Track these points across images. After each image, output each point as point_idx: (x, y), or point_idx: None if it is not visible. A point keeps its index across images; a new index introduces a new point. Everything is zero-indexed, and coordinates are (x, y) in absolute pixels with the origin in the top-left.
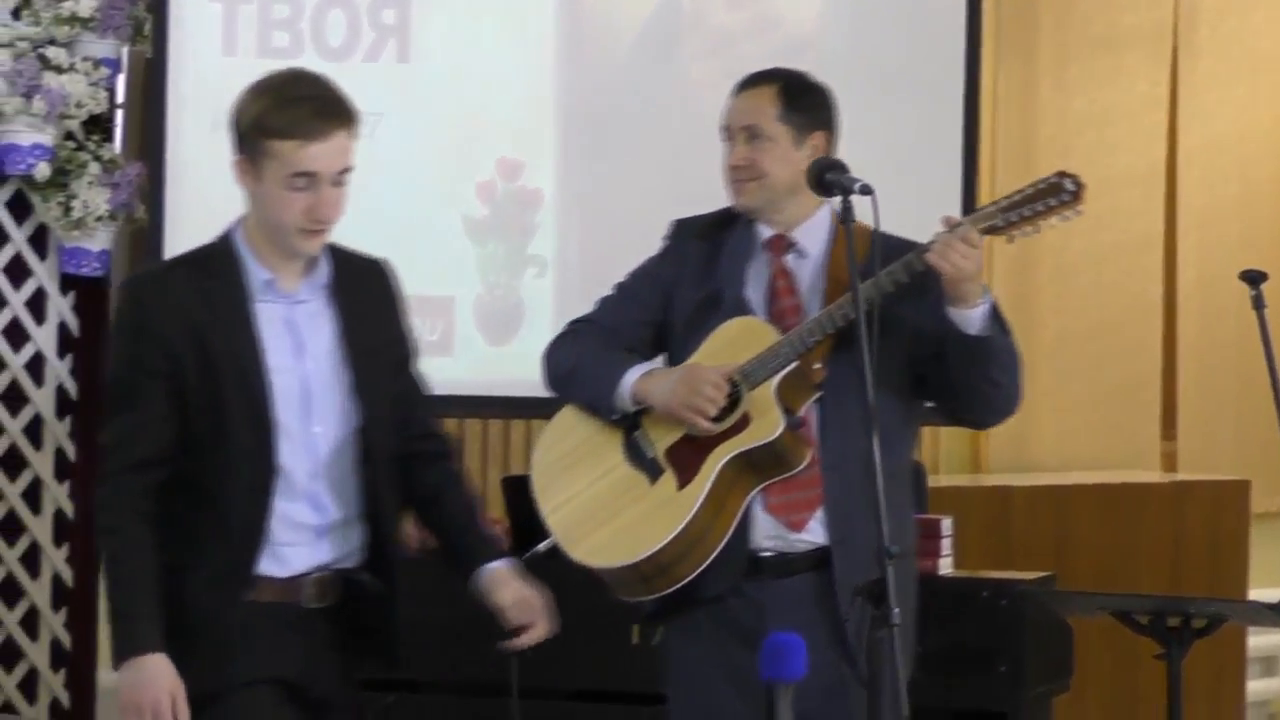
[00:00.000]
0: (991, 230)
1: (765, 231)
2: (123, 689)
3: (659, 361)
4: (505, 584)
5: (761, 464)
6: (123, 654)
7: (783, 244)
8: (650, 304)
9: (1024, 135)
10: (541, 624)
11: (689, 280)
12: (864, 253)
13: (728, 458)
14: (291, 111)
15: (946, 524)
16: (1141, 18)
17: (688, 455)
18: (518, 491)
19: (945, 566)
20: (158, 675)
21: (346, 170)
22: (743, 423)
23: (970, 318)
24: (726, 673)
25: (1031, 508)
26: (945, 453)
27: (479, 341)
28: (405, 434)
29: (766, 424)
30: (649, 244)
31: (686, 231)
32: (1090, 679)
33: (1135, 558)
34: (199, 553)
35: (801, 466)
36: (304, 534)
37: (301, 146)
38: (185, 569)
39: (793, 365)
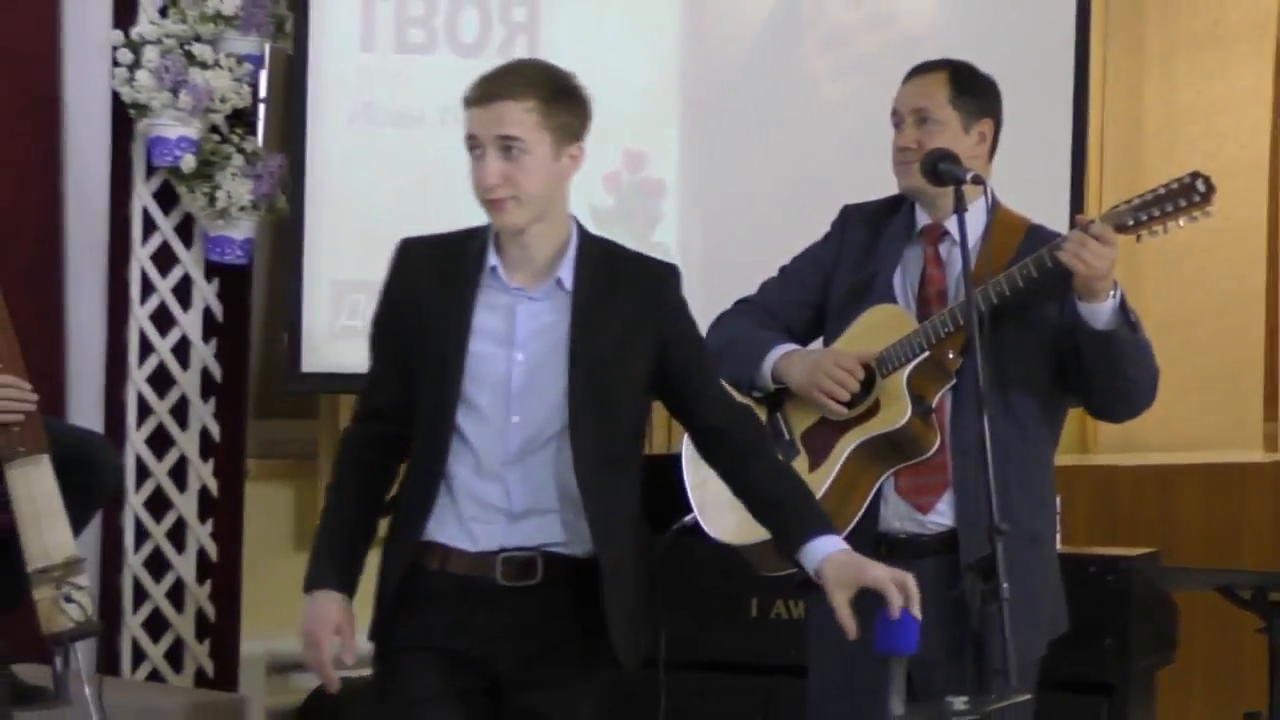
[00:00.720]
0: (1122, 229)
1: (923, 219)
2: (301, 619)
3: (817, 344)
4: (868, 564)
5: (890, 449)
6: (304, 589)
7: (937, 232)
8: (811, 286)
9: (1131, 127)
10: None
11: (847, 264)
12: (1016, 245)
13: (857, 443)
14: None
15: (1056, 502)
16: (1245, 13)
17: (821, 438)
18: (653, 471)
19: (1057, 543)
20: (320, 610)
21: (508, 138)
22: (874, 409)
23: (1098, 313)
24: (865, 647)
25: (1137, 487)
26: (1063, 438)
27: None
28: (694, 426)
29: (894, 411)
30: (767, 231)
31: (852, 217)
32: (1194, 653)
33: (1237, 535)
34: (402, 515)
35: (930, 453)
36: (494, 515)
37: (467, 110)
38: (392, 525)
39: (924, 355)
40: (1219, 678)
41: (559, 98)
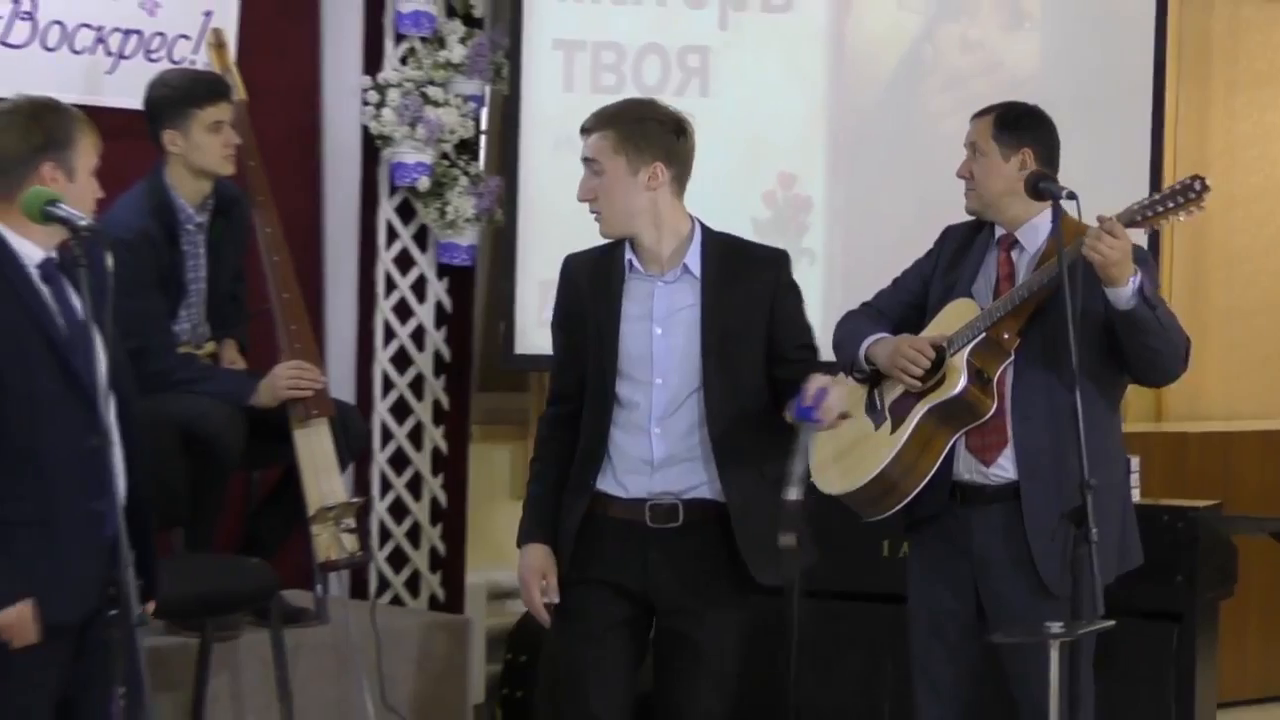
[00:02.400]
0: (1131, 224)
1: (999, 231)
2: (518, 568)
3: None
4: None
5: (954, 412)
6: (517, 544)
7: (1009, 241)
8: (915, 291)
9: (1199, 151)
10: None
11: (941, 271)
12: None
13: (926, 408)
14: None
15: (1134, 462)
16: None
17: (902, 406)
18: None
19: (1134, 496)
20: (530, 561)
21: (590, 161)
22: (941, 380)
23: (1120, 295)
24: (944, 577)
25: (1203, 450)
26: (1134, 405)
27: None
28: (775, 377)
29: (953, 382)
30: (895, 240)
31: (949, 235)
32: (1250, 588)
33: None
34: (576, 470)
35: (987, 416)
36: (642, 467)
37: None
38: (570, 479)
39: (981, 336)
40: (1272, 609)
41: (632, 129)
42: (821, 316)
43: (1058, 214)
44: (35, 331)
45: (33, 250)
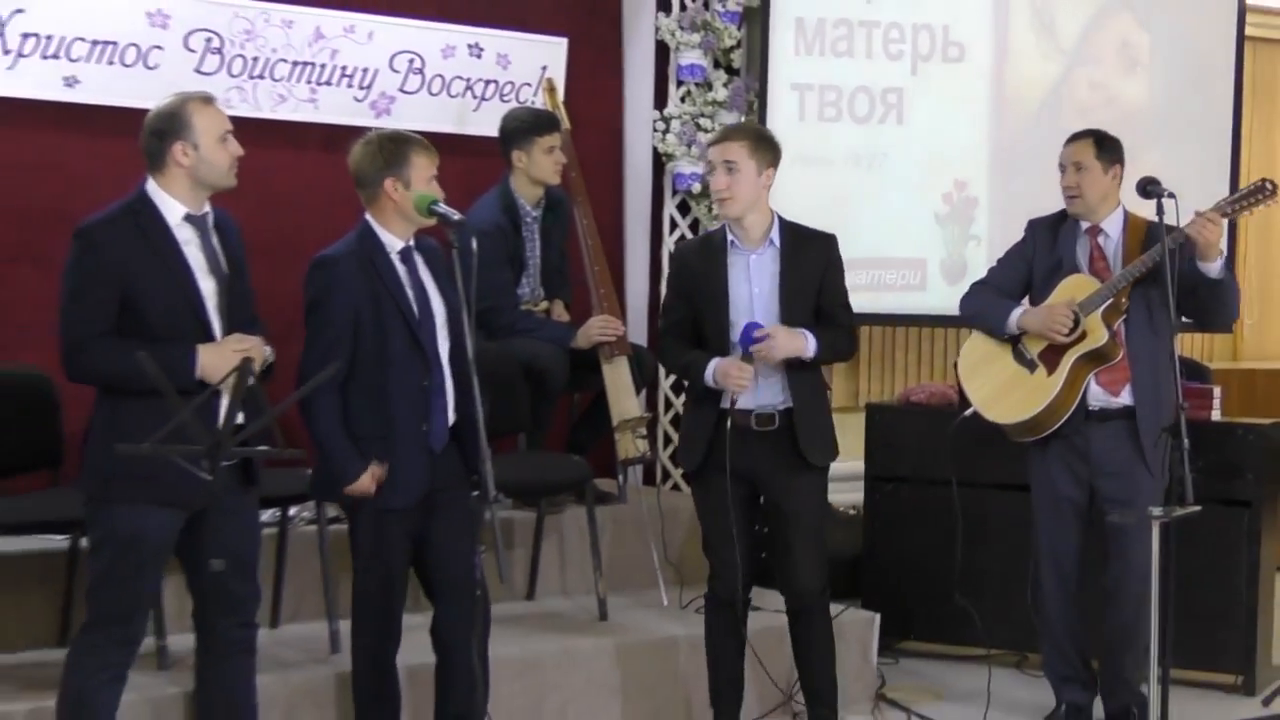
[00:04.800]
0: (1222, 214)
1: (1084, 224)
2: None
3: (1025, 303)
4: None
5: (1094, 359)
6: (691, 377)
7: (1096, 231)
8: (1022, 269)
9: (1267, 161)
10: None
11: (1040, 253)
12: (1142, 236)
13: (1076, 356)
14: None
15: (1216, 391)
16: None
17: (1051, 356)
18: None
19: (1215, 415)
20: (724, 367)
21: (731, 162)
22: (1083, 336)
23: (1212, 268)
24: (1069, 476)
25: (1267, 381)
26: (1218, 349)
27: (941, 285)
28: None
29: (1097, 335)
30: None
31: (1036, 226)
32: None
33: None
34: (705, 391)
35: (1118, 359)
36: (749, 386)
37: (709, 148)
38: (699, 397)
39: (1110, 300)
40: None
41: (759, 143)
42: None
43: (1162, 210)
44: (390, 301)
45: (393, 240)
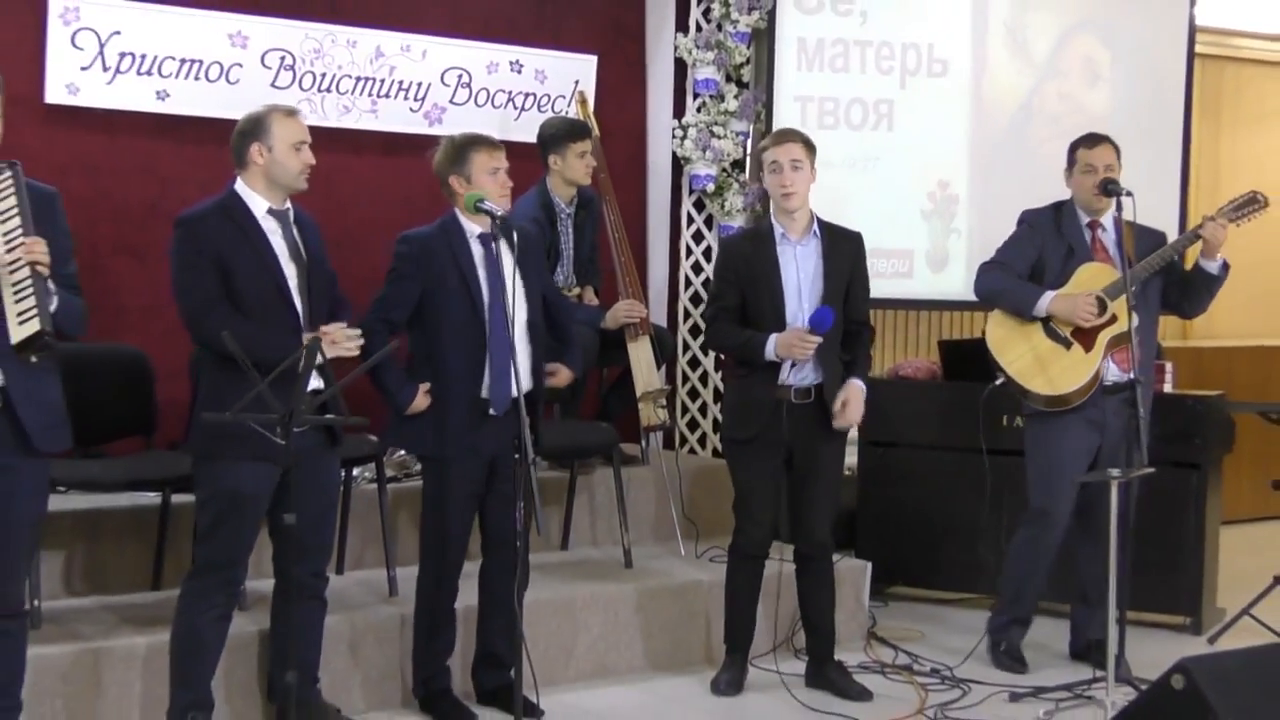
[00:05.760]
0: (1229, 220)
1: (1085, 217)
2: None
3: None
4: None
5: (1121, 338)
6: (752, 353)
7: (1096, 225)
8: (1032, 253)
9: (1213, 162)
10: None
11: (1048, 240)
12: (1134, 234)
13: (1110, 336)
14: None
15: (1169, 366)
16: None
17: (1085, 336)
18: (951, 349)
19: (1168, 388)
20: (786, 338)
21: (795, 160)
22: (1112, 319)
23: (1214, 265)
24: (1083, 445)
25: (1213, 358)
26: (1169, 330)
27: (926, 273)
28: (851, 318)
29: (1125, 320)
30: (1012, 222)
31: (1038, 216)
32: (1243, 448)
33: (1271, 385)
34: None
35: (1135, 341)
36: (787, 363)
37: (770, 149)
38: (749, 370)
39: (1135, 287)
40: (1256, 460)
41: (810, 146)
42: (964, 269)
43: (1120, 206)
44: (458, 279)
45: (472, 227)
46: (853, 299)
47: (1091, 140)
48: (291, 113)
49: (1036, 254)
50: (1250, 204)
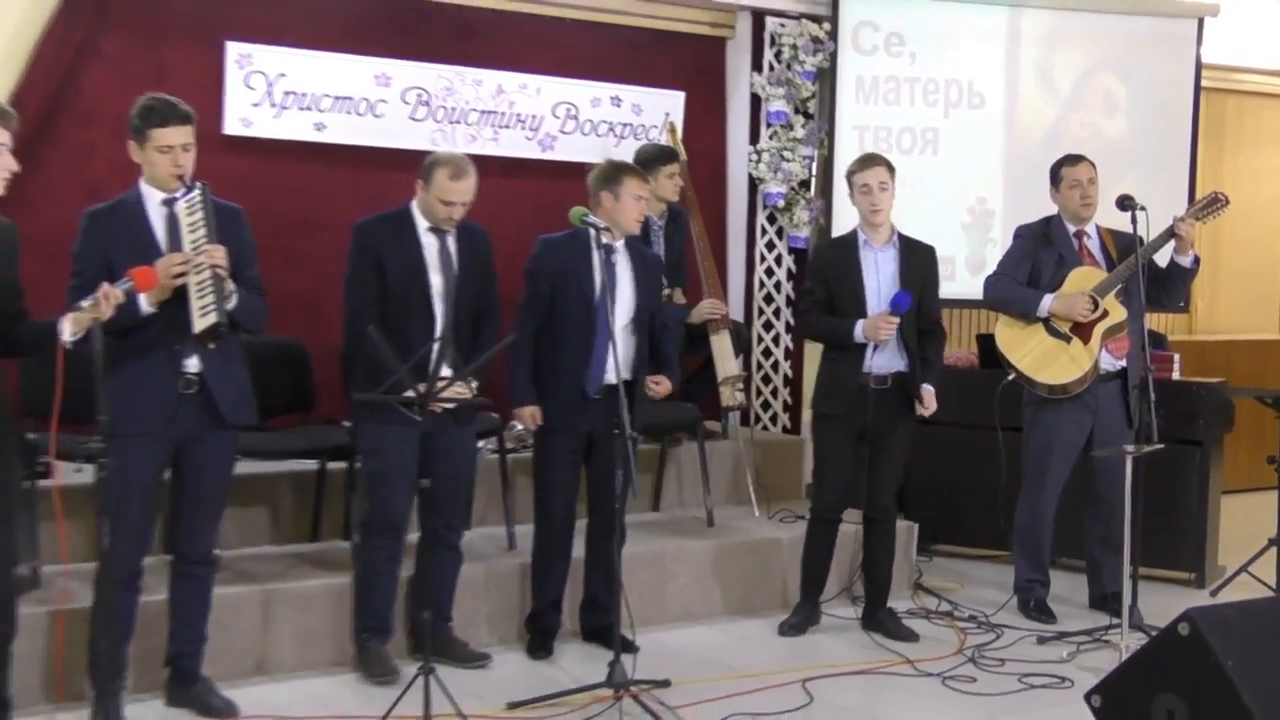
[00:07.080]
0: (1196, 219)
1: (1072, 227)
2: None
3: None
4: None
5: (1114, 330)
6: (842, 337)
7: (1081, 234)
8: (1028, 264)
9: (1215, 182)
10: None
11: (1041, 249)
12: (1114, 239)
13: (1104, 329)
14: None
15: (1176, 357)
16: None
17: (1081, 331)
18: (988, 342)
19: (1175, 375)
20: (874, 320)
21: (883, 182)
22: (1105, 314)
23: (1186, 259)
24: (1078, 427)
25: (1216, 349)
26: (1177, 325)
27: (966, 276)
28: (924, 319)
29: (1118, 312)
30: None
31: (1031, 231)
32: (1241, 429)
33: (1267, 373)
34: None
35: (1125, 332)
36: (870, 352)
37: (859, 173)
38: (836, 356)
39: (1121, 284)
40: (1253, 438)
41: (890, 167)
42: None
43: (1135, 219)
44: (575, 281)
45: (601, 238)
46: (925, 302)
47: (1073, 160)
48: (457, 173)
49: (1031, 263)
50: (1213, 204)
